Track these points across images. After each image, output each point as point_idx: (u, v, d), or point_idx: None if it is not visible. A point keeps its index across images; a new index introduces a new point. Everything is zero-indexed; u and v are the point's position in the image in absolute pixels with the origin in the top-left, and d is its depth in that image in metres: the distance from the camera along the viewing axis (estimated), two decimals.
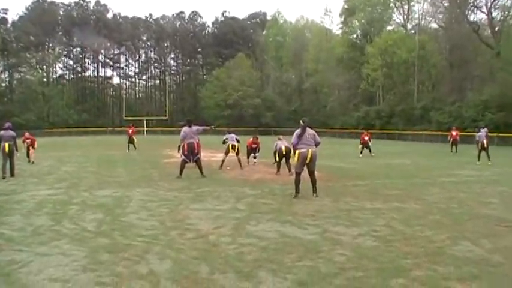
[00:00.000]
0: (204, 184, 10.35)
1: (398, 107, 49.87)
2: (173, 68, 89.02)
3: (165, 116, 68.17)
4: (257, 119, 68.84)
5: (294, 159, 8.69)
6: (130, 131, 24.16)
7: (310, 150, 8.46)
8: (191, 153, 11.71)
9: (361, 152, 20.36)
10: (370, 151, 20.30)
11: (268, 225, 6.11)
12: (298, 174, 8.59)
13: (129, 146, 23.67)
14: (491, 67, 43.26)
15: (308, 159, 8.41)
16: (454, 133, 24.20)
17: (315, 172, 8.73)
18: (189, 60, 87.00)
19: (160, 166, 15.22)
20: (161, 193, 8.95)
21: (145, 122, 66.27)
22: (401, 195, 8.87)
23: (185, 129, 11.76)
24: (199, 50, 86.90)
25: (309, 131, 8.69)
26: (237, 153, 14.16)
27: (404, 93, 53.01)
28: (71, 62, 78.97)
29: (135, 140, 24.28)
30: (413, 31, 53.77)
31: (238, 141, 14.51)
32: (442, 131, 40.70)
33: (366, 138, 20.78)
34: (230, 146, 14.10)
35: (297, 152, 8.50)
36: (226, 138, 14.36)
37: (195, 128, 11.92)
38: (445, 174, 13.26)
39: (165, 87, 79.12)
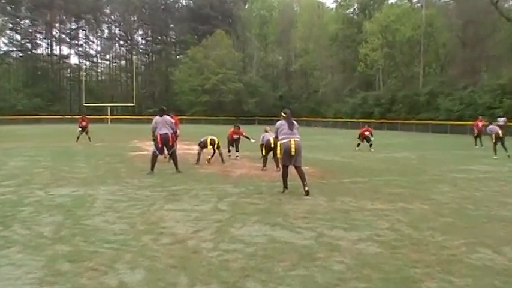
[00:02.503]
0: (179, 181, 10.30)
1: (401, 93, 50.24)
2: (141, 46, 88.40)
3: (132, 102, 67.72)
4: (238, 106, 68.89)
5: (278, 152, 8.95)
6: (84, 123, 23.81)
7: (292, 140, 8.66)
8: (165, 146, 11.68)
9: (358, 145, 20.39)
10: (370, 146, 20.32)
11: (255, 228, 6.10)
12: (285, 167, 8.91)
13: (84, 134, 23.47)
14: (511, 45, 43.02)
15: (292, 150, 8.55)
16: (480, 124, 23.64)
17: (302, 167, 8.86)
18: (159, 38, 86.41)
19: (128, 160, 15.08)
20: (130, 191, 8.86)
21: (109, 109, 65.78)
22: (406, 194, 8.95)
23: (157, 118, 11.71)
24: (171, 25, 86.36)
25: (294, 122, 9.02)
26: (218, 148, 14.19)
27: (408, 77, 53.37)
28: (18, 37, 76.39)
29: (89, 131, 24.05)
30: (419, 4, 54.09)
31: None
32: (451, 120, 41.10)
33: (367, 133, 20.65)
34: (209, 140, 14.12)
35: (278, 143, 8.93)
36: (201, 142, 14.32)
37: (168, 118, 11.86)
38: (456, 169, 13.44)
39: (131, 68, 78.44)
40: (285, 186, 8.90)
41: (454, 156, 17.93)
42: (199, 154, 14.10)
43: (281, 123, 8.97)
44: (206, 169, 12.72)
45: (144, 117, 63.16)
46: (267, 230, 5.99)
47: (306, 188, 8.59)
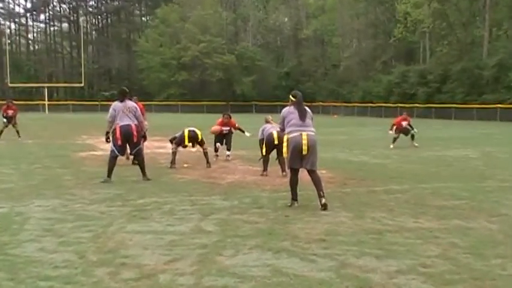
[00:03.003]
0: (148, 191, 10.28)
1: (456, 66, 50.12)
2: (91, 3, 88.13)
3: (80, 82, 67.57)
4: (229, 87, 68.90)
5: (284, 151, 9.05)
6: (11, 112, 23.67)
7: (304, 134, 8.64)
8: (127, 143, 11.64)
9: (394, 141, 20.43)
10: (412, 139, 20.44)
11: (252, 256, 6.09)
12: (294, 171, 8.92)
13: (10, 127, 23.39)
14: None
15: (304, 148, 8.56)
16: None
17: (317, 170, 8.88)
18: None
19: (74, 163, 15.06)
20: (78, 207, 8.85)
21: (46, 91, 65.57)
22: (464, 207, 8.95)
23: (116, 104, 11.65)
24: None
25: (306, 109, 9.05)
26: (201, 144, 14.18)
27: (467, 44, 53.16)
28: None
29: (18, 123, 23.94)
30: None
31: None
32: None
33: (405, 123, 20.72)
34: (187, 134, 14.06)
35: (285, 138, 8.97)
36: (176, 137, 14.31)
37: (131, 104, 11.80)
38: None
39: (78, 35, 78.22)
40: (294, 198, 8.90)
41: None
42: (174, 153, 14.08)
43: (289, 111, 8.96)
44: (185, 175, 12.69)
45: (97, 102, 63.17)
46: (269, 259, 5.98)
47: (323, 201, 8.57)
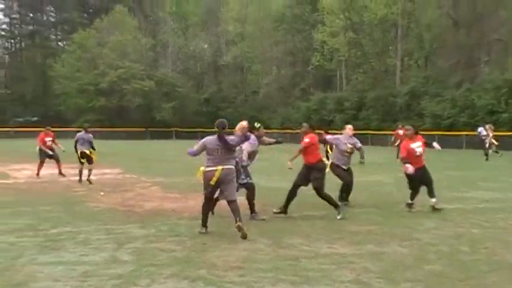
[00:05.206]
0: (62, 221, 10.07)
1: (371, 94, 51.10)
2: (3, 26, 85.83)
3: None
4: (148, 113, 68.13)
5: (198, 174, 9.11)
6: None
7: (219, 168, 8.67)
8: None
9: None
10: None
11: (168, 285, 6.07)
12: (207, 198, 9.02)
13: None
14: None
15: (214, 180, 8.62)
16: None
17: (236, 200, 8.90)
18: (31, 15, 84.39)
19: None
20: None
21: None
22: (378, 232, 9.16)
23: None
24: None
25: (229, 140, 8.94)
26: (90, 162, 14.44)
27: (381, 72, 54.37)
28: None
29: None
30: None
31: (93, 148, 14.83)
32: (441, 129, 41.68)
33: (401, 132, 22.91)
34: (79, 154, 14.35)
35: (201, 169, 8.98)
36: (77, 141, 14.36)
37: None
38: (447, 197, 13.85)
39: None
40: (204, 224, 8.99)
41: (445, 179, 18.41)
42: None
43: (214, 141, 8.87)
44: (100, 203, 12.49)
45: (10, 129, 61.29)
46: (185, 287, 5.97)
47: (239, 224, 8.51)
